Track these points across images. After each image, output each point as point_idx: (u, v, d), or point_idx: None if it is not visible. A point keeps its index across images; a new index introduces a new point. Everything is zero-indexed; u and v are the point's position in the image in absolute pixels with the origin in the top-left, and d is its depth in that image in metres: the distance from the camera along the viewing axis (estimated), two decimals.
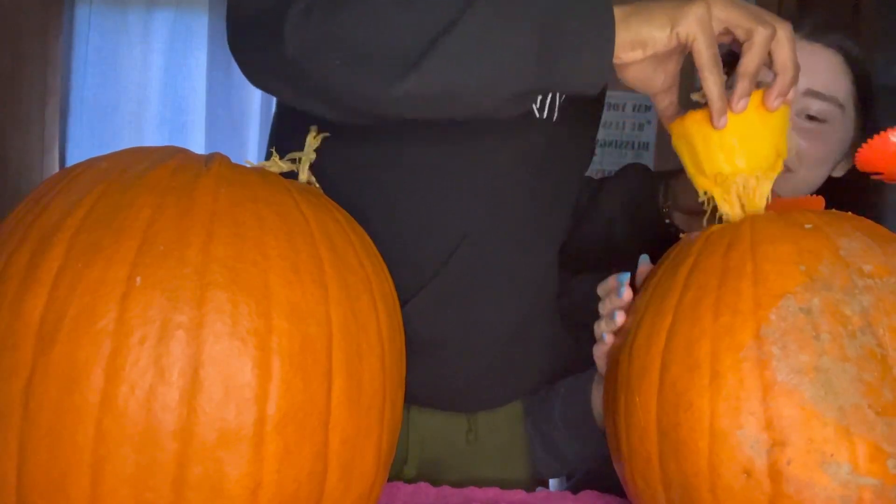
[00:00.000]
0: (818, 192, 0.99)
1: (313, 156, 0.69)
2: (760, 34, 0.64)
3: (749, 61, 0.65)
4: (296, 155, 0.69)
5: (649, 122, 2.72)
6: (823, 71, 0.94)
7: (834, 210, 0.66)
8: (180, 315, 0.50)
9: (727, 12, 0.65)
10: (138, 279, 0.51)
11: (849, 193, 0.98)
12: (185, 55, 2.77)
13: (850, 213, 0.66)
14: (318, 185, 0.69)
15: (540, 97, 0.84)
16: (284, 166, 0.67)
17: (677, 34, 0.64)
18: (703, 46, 0.64)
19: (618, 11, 0.65)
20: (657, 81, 0.69)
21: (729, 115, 0.65)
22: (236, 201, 0.56)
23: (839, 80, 0.95)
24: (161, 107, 2.76)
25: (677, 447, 0.59)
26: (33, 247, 0.53)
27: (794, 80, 0.66)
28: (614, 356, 0.69)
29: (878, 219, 0.73)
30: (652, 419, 0.61)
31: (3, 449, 0.50)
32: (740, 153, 0.66)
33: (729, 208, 0.67)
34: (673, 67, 0.69)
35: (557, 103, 0.87)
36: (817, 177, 0.97)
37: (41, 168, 2.68)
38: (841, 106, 0.95)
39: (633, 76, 0.68)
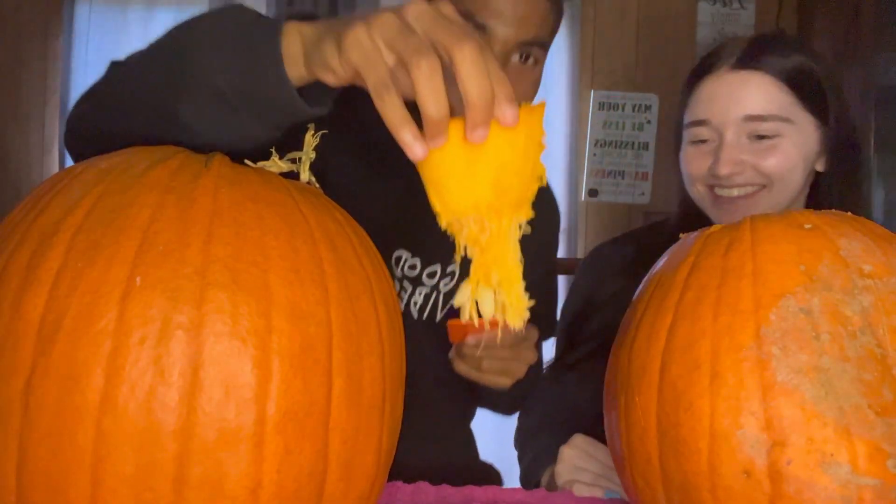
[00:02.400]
0: (810, 192, 1.04)
1: (313, 155, 0.69)
2: (419, 69, 0.53)
3: (420, 101, 0.54)
4: (296, 155, 0.69)
5: (649, 122, 2.72)
6: (755, 95, 1.00)
7: (834, 210, 0.66)
8: (180, 315, 0.50)
9: (387, 36, 0.55)
10: (138, 279, 0.51)
11: (831, 190, 1.05)
12: None
13: (849, 212, 0.66)
14: (318, 185, 0.69)
15: None
16: (284, 166, 0.67)
17: (347, 60, 0.57)
18: (366, 74, 0.55)
19: (308, 34, 0.61)
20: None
21: (431, 151, 0.55)
22: (236, 201, 0.56)
23: (774, 98, 1.00)
24: None
25: (677, 447, 0.59)
26: (33, 247, 0.53)
27: (490, 106, 0.54)
28: (614, 356, 0.69)
29: (864, 213, 0.75)
30: (652, 419, 0.61)
31: (3, 449, 0.50)
32: (451, 191, 0.55)
33: (469, 250, 0.57)
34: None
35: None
36: (795, 183, 1.03)
37: (41, 168, 2.68)
38: (786, 119, 1.00)
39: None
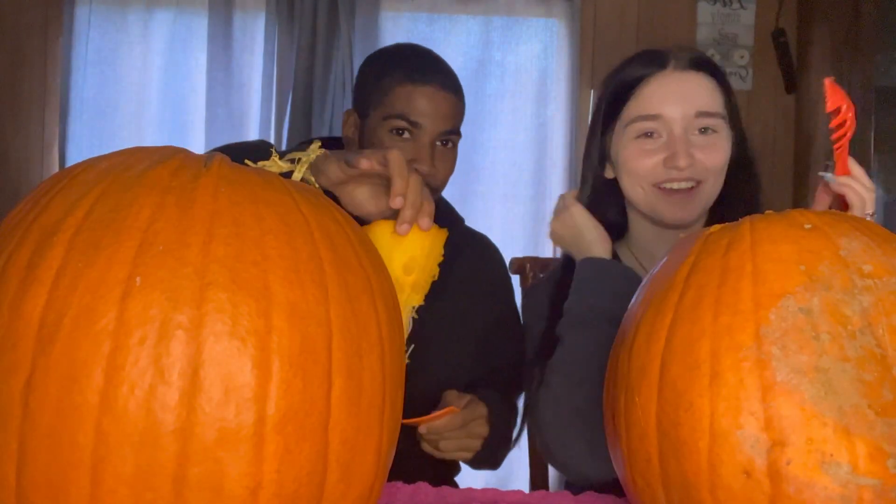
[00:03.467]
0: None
1: (313, 157, 0.69)
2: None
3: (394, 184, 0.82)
4: (296, 155, 0.69)
5: None
6: (705, 93, 1.09)
7: (834, 210, 0.66)
8: (180, 315, 0.50)
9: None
10: (138, 279, 0.51)
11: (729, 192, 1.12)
12: (185, 55, 2.77)
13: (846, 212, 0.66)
14: (317, 185, 0.69)
15: None
16: (284, 166, 0.67)
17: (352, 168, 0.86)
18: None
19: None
20: (368, 207, 0.89)
21: (373, 231, 0.82)
22: (236, 201, 0.56)
23: (717, 98, 1.10)
24: (161, 107, 2.76)
25: (677, 447, 0.59)
26: (33, 247, 0.53)
27: (418, 211, 0.81)
28: (614, 356, 0.69)
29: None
30: (652, 419, 0.61)
31: (3, 449, 0.50)
32: (398, 261, 0.81)
33: None
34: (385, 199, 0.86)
35: None
36: (719, 185, 1.11)
37: (41, 168, 2.68)
38: (723, 117, 1.10)
39: (347, 199, 0.88)
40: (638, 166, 1.08)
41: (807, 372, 0.55)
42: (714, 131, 1.08)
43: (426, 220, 0.81)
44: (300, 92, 2.69)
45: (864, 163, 1.19)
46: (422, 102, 1.22)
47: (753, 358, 0.57)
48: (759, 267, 0.60)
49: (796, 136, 2.74)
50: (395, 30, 2.76)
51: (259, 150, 0.92)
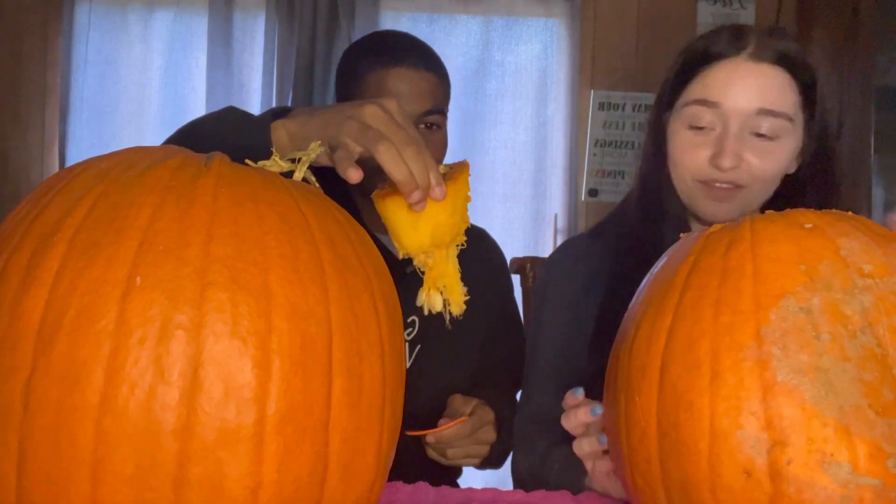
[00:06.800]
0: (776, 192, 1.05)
1: (313, 156, 0.69)
2: (378, 152, 0.71)
3: (388, 171, 0.71)
4: (296, 155, 0.69)
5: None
6: (772, 88, 0.99)
7: (834, 210, 0.66)
8: (180, 315, 0.50)
9: (353, 134, 0.73)
10: (138, 279, 0.51)
11: (800, 190, 1.05)
12: (185, 55, 2.77)
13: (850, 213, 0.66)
14: (317, 185, 0.69)
15: None
16: (285, 166, 0.67)
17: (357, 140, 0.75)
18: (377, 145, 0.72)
19: (293, 129, 0.79)
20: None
21: (387, 207, 0.73)
22: (236, 201, 0.56)
23: (787, 95, 1.00)
24: (161, 107, 2.76)
25: (677, 447, 0.59)
26: (33, 247, 0.53)
27: (427, 186, 0.71)
28: (614, 356, 0.69)
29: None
30: (652, 419, 0.61)
31: (3, 449, 0.50)
32: (402, 239, 0.74)
33: (421, 268, 0.77)
34: None
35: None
36: (768, 191, 1.04)
37: (41, 168, 2.68)
38: (791, 119, 1.01)
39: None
40: (684, 158, 1.03)
41: (807, 372, 0.55)
42: (772, 138, 1.00)
43: (438, 191, 0.72)
44: (300, 92, 2.69)
45: (863, 163, 1.17)
46: (396, 84, 1.15)
47: (754, 358, 0.57)
48: (760, 267, 0.60)
49: None
50: (395, 29, 2.76)
51: (223, 122, 0.87)
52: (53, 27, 2.68)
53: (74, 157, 2.72)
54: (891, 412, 0.54)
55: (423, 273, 0.77)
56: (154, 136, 2.72)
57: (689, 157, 1.03)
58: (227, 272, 0.52)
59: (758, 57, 1.00)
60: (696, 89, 1.03)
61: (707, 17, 2.77)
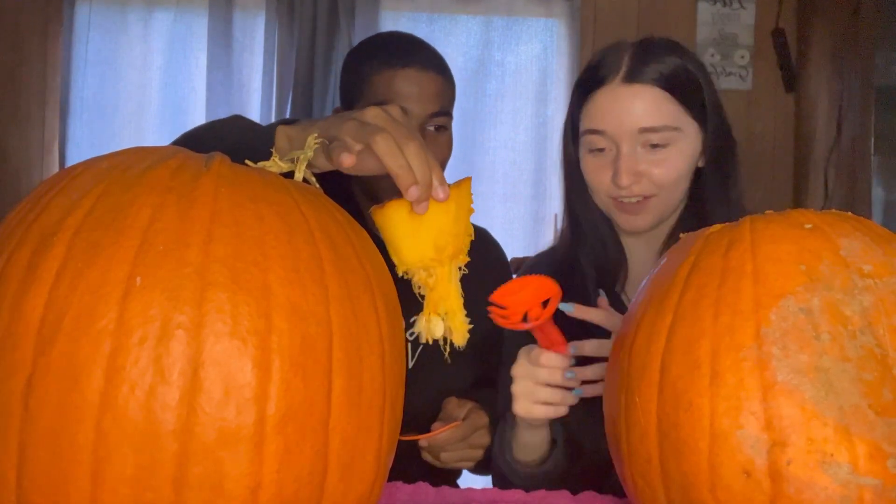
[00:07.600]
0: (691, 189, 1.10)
1: (310, 152, 0.69)
2: (377, 146, 0.68)
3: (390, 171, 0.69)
4: (296, 154, 0.69)
5: None
6: (647, 107, 1.04)
7: (834, 210, 0.66)
8: (180, 315, 0.50)
9: (352, 132, 0.71)
10: (138, 279, 0.51)
11: (708, 186, 1.10)
12: (185, 55, 2.77)
13: (849, 213, 0.66)
14: (317, 185, 0.69)
15: None
16: (284, 166, 0.67)
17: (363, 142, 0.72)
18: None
19: (293, 134, 0.77)
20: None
21: (387, 217, 0.70)
22: (236, 201, 0.56)
23: (663, 109, 1.05)
24: (161, 107, 2.76)
25: (677, 447, 0.59)
26: (33, 247, 0.53)
27: (429, 186, 0.68)
28: (614, 356, 0.69)
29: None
30: (652, 419, 0.61)
31: (3, 449, 0.50)
32: (402, 250, 0.71)
33: (421, 290, 0.72)
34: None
35: None
36: (680, 191, 1.09)
37: (41, 168, 2.68)
38: (676, 128, 1.05)
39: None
40: (593, 182, 1.09)
41: (807, 372, 0.55)
42: (664, 146, 1.04)
43: (440, 192, 0.69)
44: (300, 92, 2.69)
45: (863, 163, 1.17)
46: (404, 86, 1.16)
47: (754, 358, 0.57)
48: (760, 267, 0.60)
49: (796, 136, 2.74)
50: (396, 29, 2.76)
51: (229, 127, 0.87)
52: (53, 27, 2.68)
53: (74, 157, 2.72)
54: (891, 412, 0.54)
55: (422, 298, 0.72)
56: (154, 136, 2.72)
57: (597, 180, 1.09)
58: (227, 272, 0.52)
59: (630, 79, 1.05)
60: (586, 118, 1.09)
61: (707, 17, 2.76)
